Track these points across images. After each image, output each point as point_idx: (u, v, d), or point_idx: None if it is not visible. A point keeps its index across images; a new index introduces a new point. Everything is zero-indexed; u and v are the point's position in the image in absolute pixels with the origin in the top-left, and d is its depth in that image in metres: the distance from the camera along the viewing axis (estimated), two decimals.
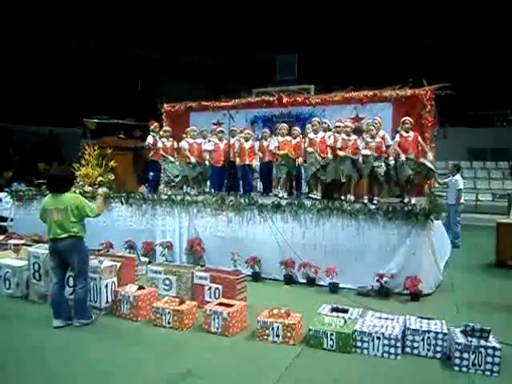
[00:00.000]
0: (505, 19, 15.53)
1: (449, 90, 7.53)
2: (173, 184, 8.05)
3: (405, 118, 6.57)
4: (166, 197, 7.34)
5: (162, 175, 8.22)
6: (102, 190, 5.00)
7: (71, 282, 4.76)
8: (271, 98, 9.26)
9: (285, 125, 7.47)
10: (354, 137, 6.68)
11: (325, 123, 7.25)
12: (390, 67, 15.18)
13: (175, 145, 8.12)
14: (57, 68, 18.37)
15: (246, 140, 7.61)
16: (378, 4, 16.18)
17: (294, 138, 7.26)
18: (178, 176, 7.99)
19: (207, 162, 7.79)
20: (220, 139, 7.80)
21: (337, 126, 6.92)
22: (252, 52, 19.48)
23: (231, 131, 7.85)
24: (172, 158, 8.04)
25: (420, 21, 16.35)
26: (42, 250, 5.27)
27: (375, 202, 6.27)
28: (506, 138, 16.67)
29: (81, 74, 18.64)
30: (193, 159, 7.81)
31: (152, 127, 8.27)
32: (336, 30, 17.34)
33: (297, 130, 7.39)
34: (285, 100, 9.08)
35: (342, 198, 6.64)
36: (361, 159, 6.44)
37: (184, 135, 8.15)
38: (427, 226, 5.62)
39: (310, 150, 6.96)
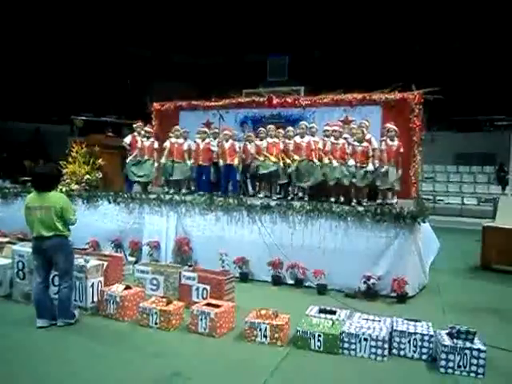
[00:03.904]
0: (492, 26, 15.83)
1: (437, 94, 7.61)
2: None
3: (389, 126, 6.63)
4: (154, 196, 7.28)
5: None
6: None
7: (56, 282, 4.68)
8: (261, 99, 9.22)
9: (272, 126, 7.56)
10: (342, 141, 6.72)
11: (312, 127, 7.23)
12: (380, 71, 15.35)
13: (155, 145, 8.00)
14: (45, 64, 18.16)
15: (226, 140, 7.57)
16: (370, 9, 16.37)
17: (289, 139, 7.32)
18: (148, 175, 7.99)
19: (188, 162, 7.74)
20: (203, 139, 7.76)
21: (325, 130, 6.95)
22: (244, 53, 19.50)
23: (214, 133, 7.94)
24: (149, 158, 7.95)
25: (410, 27, 16.57)
26: (27, 248, 5.16)
27: (364, 203, 6.31)
28: (492, 143, 16.87)
29: (69, 71, 18.45)
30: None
31: (135, 126, 8.19)
32: (327, 33, 17.49)
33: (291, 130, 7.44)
34: (275, 101, 9.06)
35: (332, 199, 6.73)
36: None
37: (171, 134, 8.07)
38: (414, 228, 5.67)
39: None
